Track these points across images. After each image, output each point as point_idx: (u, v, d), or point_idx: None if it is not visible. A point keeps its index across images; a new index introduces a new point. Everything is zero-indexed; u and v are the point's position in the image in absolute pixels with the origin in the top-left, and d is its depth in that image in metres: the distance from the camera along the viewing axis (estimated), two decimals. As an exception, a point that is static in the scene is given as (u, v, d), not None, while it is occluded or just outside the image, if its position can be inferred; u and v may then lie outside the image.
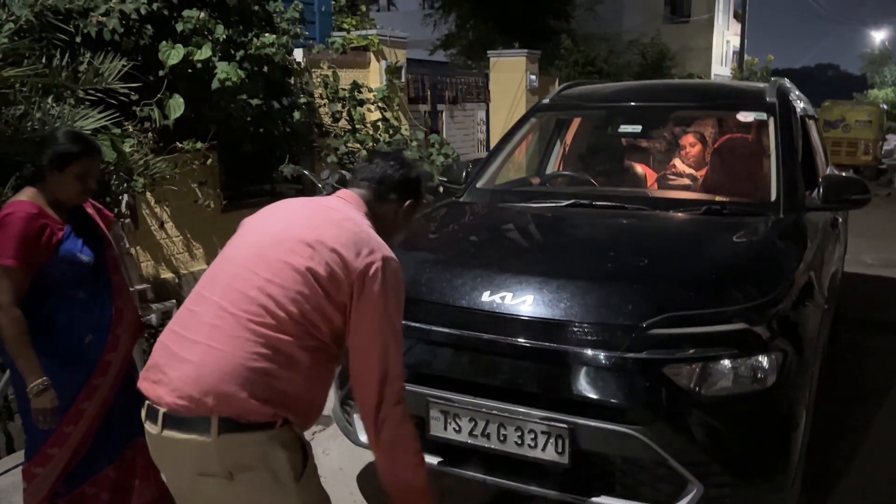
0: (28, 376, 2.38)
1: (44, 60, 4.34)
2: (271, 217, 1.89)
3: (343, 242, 1.74)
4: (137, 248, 5.38)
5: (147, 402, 1.74)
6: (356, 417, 2.81)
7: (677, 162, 4.26)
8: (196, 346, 1.69)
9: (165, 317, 4.70)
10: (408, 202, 2.00)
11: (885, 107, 22.59)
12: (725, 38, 35.14)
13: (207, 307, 1.74)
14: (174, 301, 5.03)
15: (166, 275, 5.71)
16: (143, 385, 1.76)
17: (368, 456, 3.34)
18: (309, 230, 1.77)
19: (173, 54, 5.23)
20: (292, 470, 1.70)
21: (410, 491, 1.85)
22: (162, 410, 1.67)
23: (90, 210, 2.67)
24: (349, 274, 1.72)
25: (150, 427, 1.73)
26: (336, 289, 1.71)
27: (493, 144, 4.80)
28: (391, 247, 1.84)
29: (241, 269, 1.76)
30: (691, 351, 2.34)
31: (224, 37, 5.46)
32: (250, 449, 1.66)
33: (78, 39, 4.85)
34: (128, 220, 5.14)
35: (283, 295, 1.69)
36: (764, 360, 2.35)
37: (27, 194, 2.47)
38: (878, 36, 51.64)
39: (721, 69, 32.94)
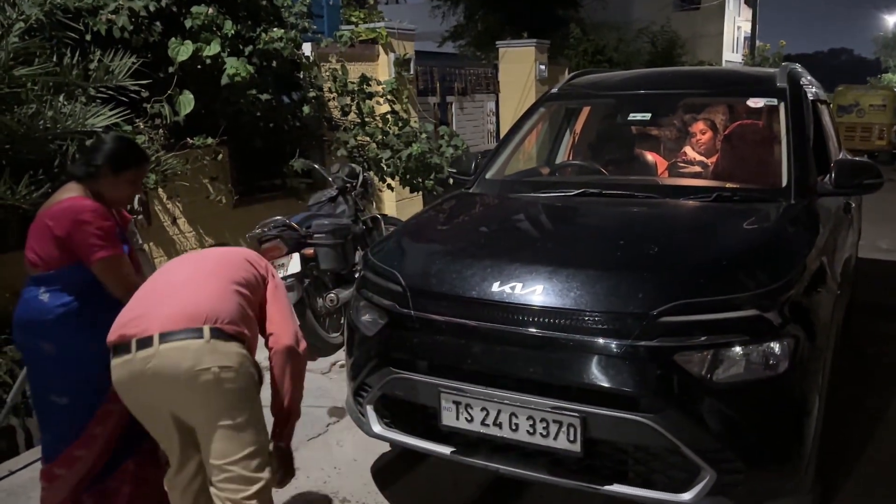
0: None
1: (54, 59, 4.37)
2: (189, 259, 2.57)
3: (251, 255, 2.56)
4: (150, 244, 5.42)
5: (132, 339, 2.15)
6: (369, 409, 2.83)
7: (688, 149, 4.24)
8: (184, 289, 2.27)
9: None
10: None
11: (900, 90, 22.32)
12: (736, 24, 34.88)
13: (177, 275, 2.38)
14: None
15: (180, 270, 5.73)
16: (124, 330, 2.18)
17: (382, 447, 3.37)
18: (227, 252, 2.57)
19: (182, 51, 5.26)
20: (257, 376, 2.31)
21: (297, 413, 2.50)
22: (156, 334, 2.13)
23: (113, 210, 2.70)
24: (264, 269, 2.54)
25: (143, 353, 2.13)
26: (264, 273, 2.52)
27: (503, 135, 4.79)
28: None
29: (200, 262, 2.45)
30: (702, 338, 2.33)
31: (233, 32, 5.48)
32: (232, 353, 2.20)
33: (88, 37, 4.89)
34: (140, 217, 5.19)
35: (240, 264, 2.43)
36: (776, 347, 2.34)
37: (78, 191, 2.50)
38: (892, 19, 50.90)
39: (732, 56, 32.72)
